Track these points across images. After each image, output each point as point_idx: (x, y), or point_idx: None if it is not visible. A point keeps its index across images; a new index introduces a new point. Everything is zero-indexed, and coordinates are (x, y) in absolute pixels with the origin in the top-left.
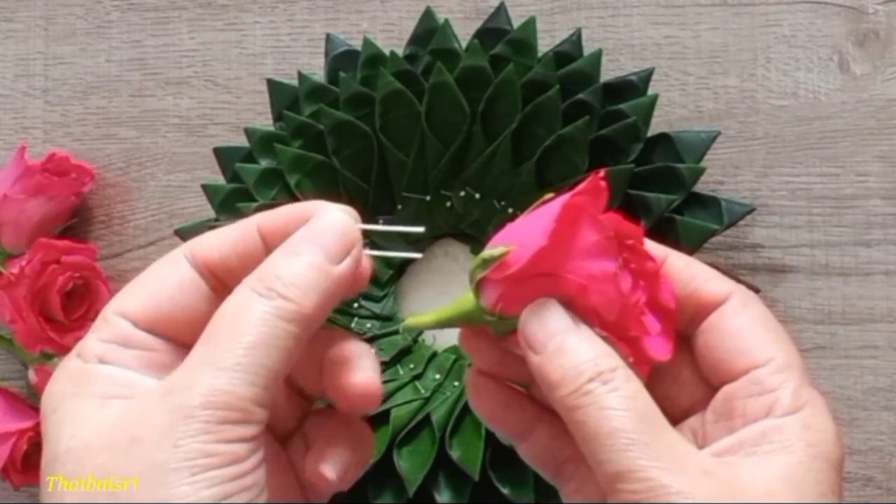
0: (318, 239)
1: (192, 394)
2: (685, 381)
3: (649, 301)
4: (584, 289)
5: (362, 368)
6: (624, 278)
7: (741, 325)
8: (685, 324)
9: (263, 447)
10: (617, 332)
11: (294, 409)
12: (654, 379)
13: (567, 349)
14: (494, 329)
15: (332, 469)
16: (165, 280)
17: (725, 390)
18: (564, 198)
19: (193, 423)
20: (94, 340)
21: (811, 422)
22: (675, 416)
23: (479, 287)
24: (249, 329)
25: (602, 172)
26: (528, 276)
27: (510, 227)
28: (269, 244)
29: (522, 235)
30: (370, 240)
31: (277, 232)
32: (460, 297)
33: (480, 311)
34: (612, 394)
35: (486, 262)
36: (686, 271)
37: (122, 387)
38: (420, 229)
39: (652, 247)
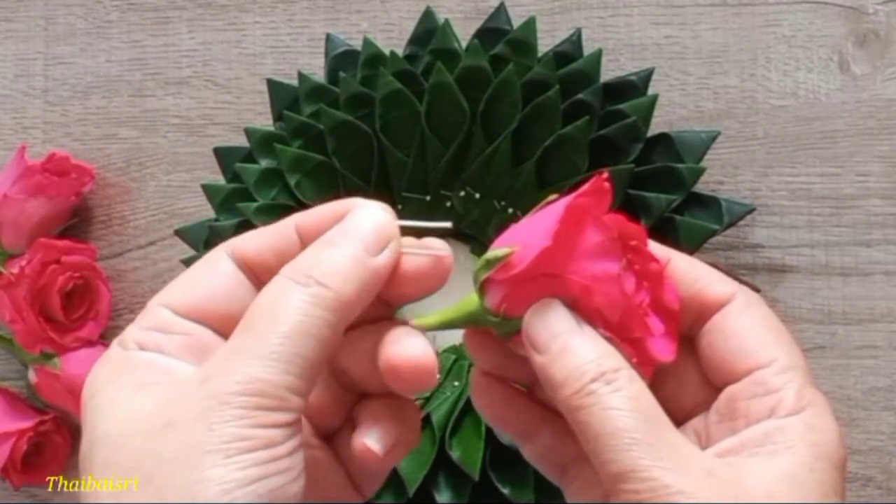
0: (356, 231)
1: (227, 381)
2: (689, 381)
3: (653, 302)
4: (588, 290)
5: (414, 344)
6: (627, 279)
7: (744, 326)
8: (689, 325)
9: (300, 434)
10: (620, 332)
11: (341, 408)
12: (658, 379)
13: (570, 349)
14: (498, 330)
15: (376, 442)
16: (206, 273)
17: (729, 391)
18: (568, 199)
19: (229, 409)
20: (135, 329)
21: (814, 422)
22: (679, 417)
23: (482, 288)
24: (286, 318)
25: (605, 173)
26: (531, 277)
27: (514, 228)
28: (306, 242)
29: (526, 236)
30: None
31: (314, 230)
32: (464, 299)
33: (484, 312)
34: (616, 394)
35: (489, 263)
36: (689, 272)
37: (159, 373)
38: (448, 224)
39: (655, 248)
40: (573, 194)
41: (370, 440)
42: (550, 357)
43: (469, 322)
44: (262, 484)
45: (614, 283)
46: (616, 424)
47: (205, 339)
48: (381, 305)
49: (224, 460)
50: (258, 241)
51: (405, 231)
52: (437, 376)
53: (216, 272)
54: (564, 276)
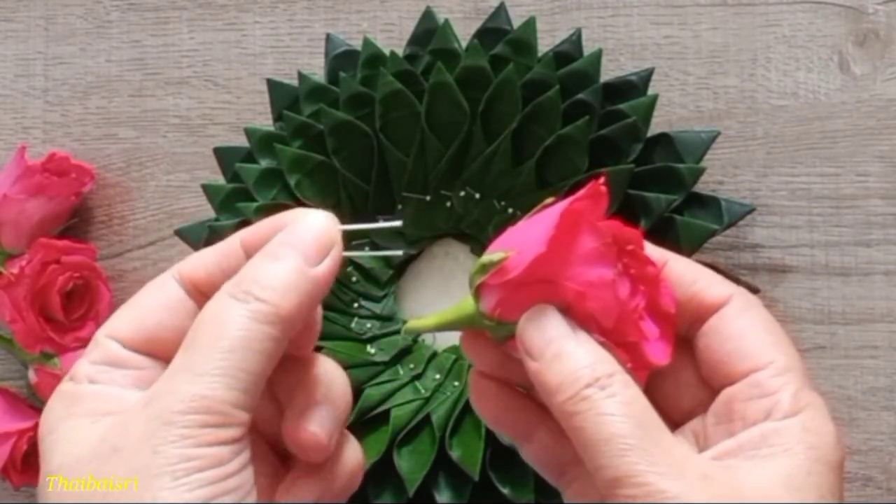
0: (296, 241)
1: (171, 400)
2: (686, 383)
3: (648, 306)
4: (582, 295)
5: (316, 419)
6: (622, 284)
7: (742, 329)
8: (686, 327)
9: (249, 449)
10: (615, 337)
11: (278, 413)
12: (656, 381)
13: (564, 355)
14: (493, 333)
15: (318, 427)
16: (154, 301)
17: (726, 393)
18: (564, 203)
19: (173, 429)
20: (85, 363)
21: (811, 425)
22: (677, 419)
23: (478, 292)
24: (227, 333)
25: (602, 178)
26: (526, 283)
27: (510, 232)
28: (251, 257)
29: (522, 241)
30: (370, 239)
31: (259, 244)
32: (461, 301)
33: (480, 316)
34: (610, 399)
35: (485, 267)
36: (687, 275)
37: (112, 404)
38: (397, 223)
39: (652, 250)
40: (570, 198)
41: (313, 426)
42: (545, 363)
43: (465, 325)
44: (214, 503)
45: (608, 289)
46: (610, 430)
47: (154, 371)
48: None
49: (172, 483)
50: (205, 261)
51: (354, 234)
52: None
53: (164, 299)
54: (559, 281)
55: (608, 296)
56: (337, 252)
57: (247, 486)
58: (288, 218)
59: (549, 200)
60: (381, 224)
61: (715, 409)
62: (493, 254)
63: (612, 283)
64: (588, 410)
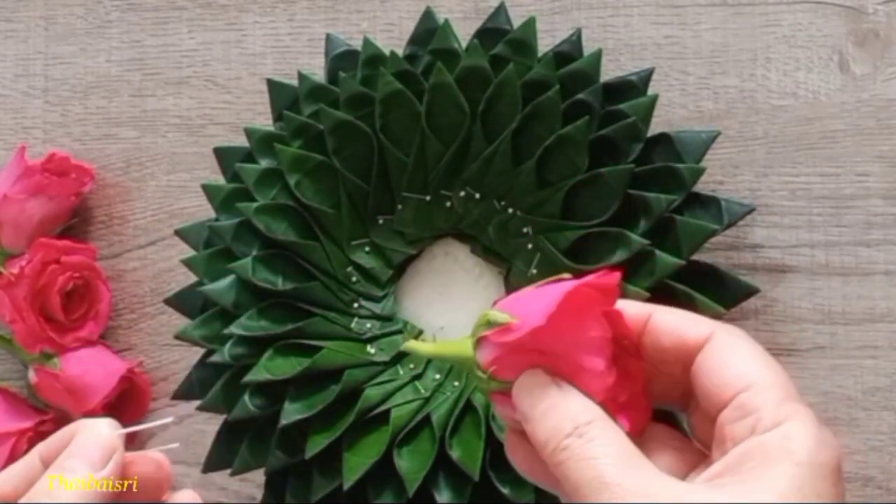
0: (81, 452)
1: None
2: (701, 426)
3: (629, 399)
4: (573, 376)
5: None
6: (611, 374)
7: (725, 359)
8: (680, 372)
9: None
10: None
11: None
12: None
13: (550, 411)
14: (482, 385)
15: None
16: None
17: (719, 419)
18: (576, 282)
19: None
20: None
21: (792, 432)
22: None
23: (478, 343)
24: None
25: (619, 274)
26: (523, 349)
27: (520, 295)
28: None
29: (528, 308)
30: (370, 240)
31: (55, 455)
32: (461, 340)
33: (474, 364)
34: (588, 444)
35: (489, 323)
36: (670, 322)
37: None
38: (168, 420)
39: (637, 307)
40: (582, 280)
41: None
42: (536, 422)
43: (458, 364)
44: None
45: (599, 379)
46: (590, 473)
47: None
48: None
49: None
50: (10, 478)
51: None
52: None
53: None
54: (555, 355)
55: (597, 384)
56: (119, 455)
57: None
58: (75, 429)
59: (566, 276)
60: (156, 423)
61: (714, 439)
62: (499, 313)
63: (602, 374)
64: (570, 458)
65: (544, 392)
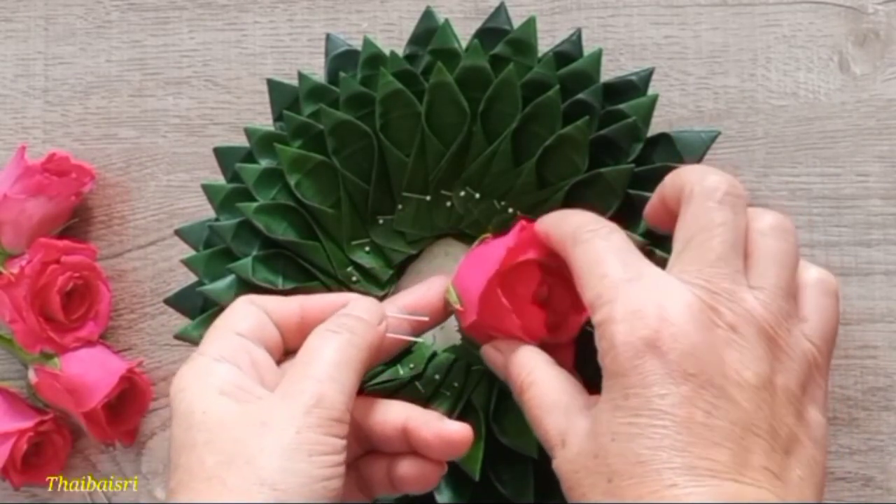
0: (360, 309)
1: (304, 398)
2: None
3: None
4: (516, 329)
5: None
6: (542, 314)
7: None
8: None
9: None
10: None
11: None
12: None
13: (508, 369)
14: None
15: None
16: (251, 315)
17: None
18: (493, 265)
19: (309, 419)
20: (212, 346)
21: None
22: None
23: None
24: (332, 354)
25: (531, 227)
26: (477, 327)
27: (468, 262)
28: (308, 314)
29: (469, 286)
30: (370, 239)
31: (319, 315)
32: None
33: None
34: (529, 401)
35: (449, 304)
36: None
37: (233, 386)
38: (425, 318)
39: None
40: (504, 243)
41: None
42: (503, 373)
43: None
44: (330, 483)
45: (536, 322)
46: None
47: (264, 363)
48: None
49: (307, 458)
50: (278, 304)
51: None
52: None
53: (256, 316)
54: (499, 327)
55: (536, 326)
56: (385, 322)
57: (343, 477)
58: (347, 298)
59: (488, 235)
60: (411, 315)
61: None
62: (453, 295)
63: (535, 319)
64: (531, 397)
65: (496, 358)
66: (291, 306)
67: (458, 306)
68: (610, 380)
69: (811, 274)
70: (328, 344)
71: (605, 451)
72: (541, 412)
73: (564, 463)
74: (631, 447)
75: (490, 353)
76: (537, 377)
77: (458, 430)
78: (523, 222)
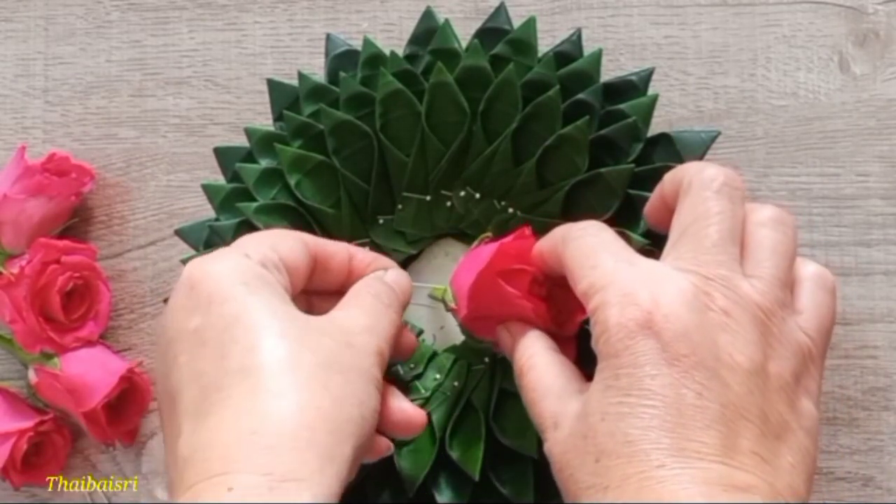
0: (393, 282)
1: (372, 342)
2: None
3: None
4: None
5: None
6: (538, 303)
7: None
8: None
9: None
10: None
11: None
12: None
13: (513, 352)
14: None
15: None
16: (287, 238)
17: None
18: (484, 261)
19: (376, 358)
20: (253, 249)
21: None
22: None
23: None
24: (380, 314)
25: (532, 240)
26: (472, 320)
27: (465, 263)
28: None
29: (462, 284)
30: (371, 239)
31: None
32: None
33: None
34: (529, 381)
35: (444, 302)
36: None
37: (280, 300)
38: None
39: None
40: (498, 247)
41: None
42: (509, 353)
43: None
44: (379, 414)
45: (529, 310)
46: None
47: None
48: None
49: (373, 388)
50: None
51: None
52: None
53: (292, 240)
54: (493, 316)
55: (530, 314)
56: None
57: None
58: (388, 262)
59: (488, 235)
60: (428, 284)
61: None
62: (448, 294)
63: (531, 308)
64: (529, 380)
65: (506, 340)
66: (338, 250)
67: (452, 304)
68: (602, 361)
69: (808, 268)
70: (375, 308)
71: (595, 430)
72: (536, 395)
73: (555, 445)
74: (620, 427)
75: (502, 334)
76: (536, 361)
77: (417, 413)
78: (526, 230)
